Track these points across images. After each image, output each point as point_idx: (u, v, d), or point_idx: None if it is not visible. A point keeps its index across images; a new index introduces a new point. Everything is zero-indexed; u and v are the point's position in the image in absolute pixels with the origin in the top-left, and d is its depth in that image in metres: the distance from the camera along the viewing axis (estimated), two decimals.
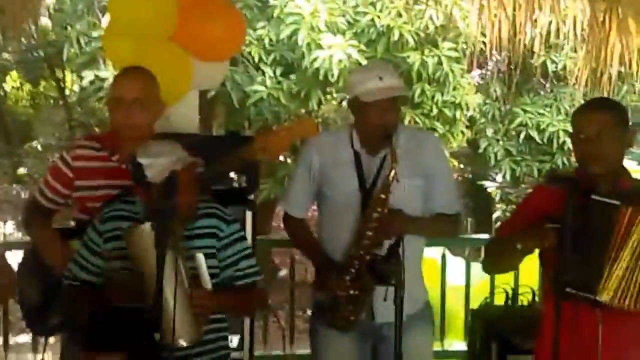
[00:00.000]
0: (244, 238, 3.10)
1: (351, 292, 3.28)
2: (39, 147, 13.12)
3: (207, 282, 2.81)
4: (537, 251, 2.97)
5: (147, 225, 2.69)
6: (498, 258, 3.09)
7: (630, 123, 2.99)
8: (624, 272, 2.73)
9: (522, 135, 9.40)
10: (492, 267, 3.26)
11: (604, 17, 5.04)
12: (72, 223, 3.41)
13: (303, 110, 8.26)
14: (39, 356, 4.72)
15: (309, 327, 3.58)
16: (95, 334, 2.44)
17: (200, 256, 2.80)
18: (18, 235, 10.60)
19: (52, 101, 14.33)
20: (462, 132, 8.84)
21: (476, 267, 5.34)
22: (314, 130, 3.30)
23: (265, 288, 3.24)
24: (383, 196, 3.25)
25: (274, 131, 3.27)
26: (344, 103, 7.94)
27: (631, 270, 2.73)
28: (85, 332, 2.46)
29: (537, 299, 4.29)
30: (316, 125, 3.71)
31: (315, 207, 3.61)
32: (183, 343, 2.73)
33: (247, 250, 3.08)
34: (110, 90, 3.40)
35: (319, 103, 8.36)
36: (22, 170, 13.19)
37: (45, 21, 9.12)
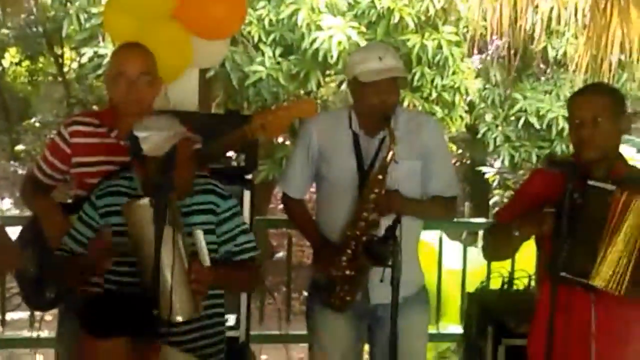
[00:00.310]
0: (240, 213, 3.11)
1: (347, 272, 3.30)
2: (37, 124, 13.10)
3: (206, 258, 2.80)
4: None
5: (145, 200, 2.69)
6: (497, 245, 3.10)
7: (630, 111, 2.98)
8: (617, 258, 2.74)
9: (521, 121, 9.38)
10: (491, 254, 3.27)
11: (606, 4, 5.04)
12: (70, 200, 3.41)
13: (302, 92, 8.24)
14: (35, 333, 4.74)
15: (306, 307, 3.60)
16: (96, 319, 2.43)
17: (199, 232, 2.80)
18: (16, 212, 10.60)
19: (50, 78, 14.29)
20: (461, 117, 8.82)
21: (473, 251, 5.37)
22: (313, 110, 3.29)
23: (261, 265, 3.23)
24: (380, 177, 3.26)
25: (273, 110, 3.27)
26: (344, 85, 7.93)
27: (624, 256, 2.74)
28: (85, 317, 2.46)
29: (533, 283, 4.30)
30: (316, 105, 3.71)
31: (313, 189, 3.61)
32: (180, 318, 2.74)
33: (244, 225, 3.09)
34: (110, 65, 3.36)
35: (318, 85, 8.34)
36: (20, 147, 13.16)
37: None
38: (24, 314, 5.34)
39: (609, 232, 2.74)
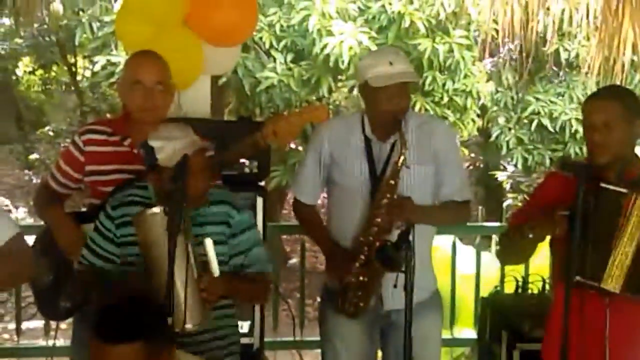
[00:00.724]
0: (254, 226, 3.11)
1: (360, 278, 3.29)
2: (51, 133, 13.12)
3: (215, 268, 2.81)
4: (548, 238, 2.97)
5: (157, 209, 2.70)
6: (511, 248, 3.08)
7: None
8: (628, 261, 2.72)
9: (534, 124, 9.34)
10: (506, 257, 3.26)
11: (617, 5, 5.01)
12: (84, 209, 3.43)
13: (314, 97, 8.25)
14: (51, 341, 4.76)
15: (318, 313, 3.60)
16: (111, 323, 2.44)
17: (208, 241, 2.80)
18: (30, 221, 10.63)
19: (64, 87, 14.34)
20: (473, 121, 8.80)
21: (486, 256, 5.35)
22: (325, 116, 3.29)
23: (271, 280, 3.23)
24: (392, 182, 3.25)
25: (285, 116, 3.26)
26: (355, 90, 7.93)
27: (634, 258, 2.72)
28: (100, 322, 2.47)
29: (547, 287, 4.28)
30: (328, 111, 3.70)
31: (325, 194, 3.61)
32: (189, 327, 2.74)
33: (258, 239, 3.09)
34: (125, 74, 3.36)
35: (330, 90, 8.35)
36: (34, 156, 13.19)
37: (57, 6, 9.12)
38: (39, 323, 5.36)
39: (620, 234, 2.72)
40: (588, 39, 7.84)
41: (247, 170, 3.91)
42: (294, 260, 9.52)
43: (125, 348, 2.39)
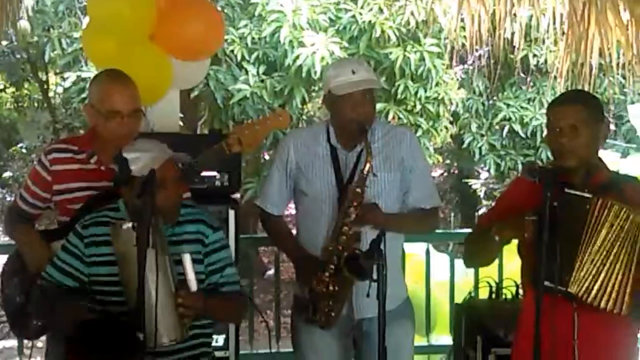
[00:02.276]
0: (228, 246, 3.13)
1: (330, 287, 3.29)
2: (24, 150, 13.06)
3: (193, 283, 2.82)
4: (515, 242, 2.99)
5: (128, 224, 2.70)
6: (476, 250, 3.11)
7: (612, 115, 2.99)
8: (593, 267, 2.74)
9: (505, 130, 9.44)
10: (471, 259, 3.27)
11: (583, 10, 5.05)
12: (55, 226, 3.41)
13: (287, 109, 8.26)
14: None
15: (290, 325, 3.60)
16: (82, 339, 2.43)
17: (187, 256, 2.81)
18: (6, 239, 10.58)
19: (36, 104, 14.25)
20: (446, 128, 8.86)
21: (460, 263, 5.35)
22: (287, 121, 3.32)
23: (246, 295, 3.24)
24: (359, 190, 3.26)
25: (249, 124, 3.29)
26: None
27: (600, 265, 2.74)
28: (71, 337, 2.46)
29: (520, 292, 4.29)
30: (290, 116, 3.72)
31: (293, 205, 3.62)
32: (165, 341, 2.74)
33: (231, 259, 3.11)
34: (96, 99, 3.25)
35: (303, 101, 8.37)
36: (7, 174, 13.11)
37: (24, 23, 9.09)
38: (14, 342, 5.31)
39: (585, 240, 2.74)
40: (556, 44, 7.90)
41: (218, 183, 3.91)
42: (272, 272, 9.49)
43: None
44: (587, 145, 2.86)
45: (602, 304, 2.74)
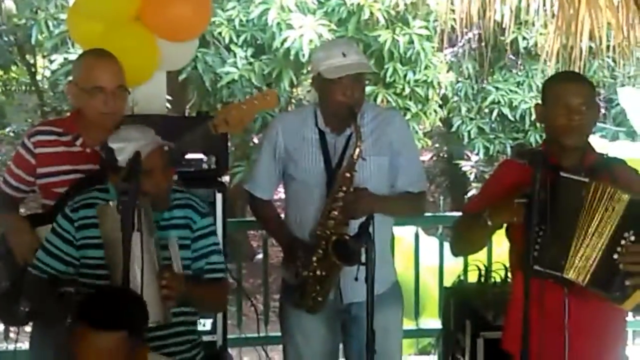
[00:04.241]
0: (215, 233, 3.10)
1: (318, 272, 3.27)
2: (12, 134, 12.97)
3: (179, 265, 2.81)
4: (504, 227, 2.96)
5: (113, 203, 2.67)
6: (468, 236, 3.05)
7: (602, 98, 3.00)
8: (591, 251, 2.71)
9: (494, 113, 9.42)
10: (462, 246, 3.19)
11: None
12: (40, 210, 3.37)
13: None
14: (11, 346, 4.68)
15: (279, 309, 3.58)
16: (99, 309, 2.44)
17: (172, 239, 2.81)
18: None
19: (24, 87, 14.14)
20: (435, 111, 8.83)
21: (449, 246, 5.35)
22: (275, 101, 3.28)
23: (228, 284, 3.21)
24: (348, 175, 3.24)
25: (237, 105, 3.25)
26: None
27: (598, 249, 2.71)
28: (87, 307, 2.47)
29: (509, 275, 4.29)
30: (278, 96, 3.69)
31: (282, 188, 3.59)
32: (148, 323, 2.72)
33: (218, 245, 3.07)
34: (80, 77, 3.22)
35: (292, 84, 8.32)
36: None
37: (9, 3, 9.01)
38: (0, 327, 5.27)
39: (584, 224, 2.71)
40: (546, 26, 7.88)
41: (205, 166, 3.88)
42: (261, 256, 9.48)
43: (110, 336, 2.40)
44: (590, 125, 2.87)
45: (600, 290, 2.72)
